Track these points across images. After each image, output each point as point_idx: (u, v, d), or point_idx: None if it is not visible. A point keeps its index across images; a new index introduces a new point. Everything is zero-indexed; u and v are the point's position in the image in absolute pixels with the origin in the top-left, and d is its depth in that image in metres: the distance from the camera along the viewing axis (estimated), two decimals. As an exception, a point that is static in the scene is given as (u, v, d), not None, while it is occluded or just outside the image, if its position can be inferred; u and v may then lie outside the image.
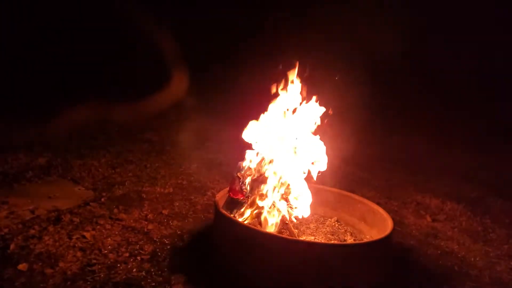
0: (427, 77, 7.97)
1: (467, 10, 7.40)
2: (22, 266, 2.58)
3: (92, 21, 7.84)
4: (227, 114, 6.34)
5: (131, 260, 2.79)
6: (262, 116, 3.05)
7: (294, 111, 3.08)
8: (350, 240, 3.04)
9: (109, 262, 2.74)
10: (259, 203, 2.87)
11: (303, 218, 3.30)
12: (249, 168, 2.97)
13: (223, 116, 6.39)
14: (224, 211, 2.75)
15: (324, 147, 3.06)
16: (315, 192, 3.16)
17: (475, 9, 7.38)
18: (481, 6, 7.39)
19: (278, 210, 2.90)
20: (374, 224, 3.06)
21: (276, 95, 3.06)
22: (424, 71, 7.79)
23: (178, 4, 8.40)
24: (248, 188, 2.90)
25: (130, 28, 7.44)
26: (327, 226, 3.25)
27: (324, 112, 3.08)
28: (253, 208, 2.89)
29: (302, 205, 3.02)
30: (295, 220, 3.02)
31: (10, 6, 7.10)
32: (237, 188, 2.88)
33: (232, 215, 2.84)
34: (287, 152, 2.99)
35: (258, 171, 2.96)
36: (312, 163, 3.04)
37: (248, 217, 2.90)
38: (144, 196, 3.90)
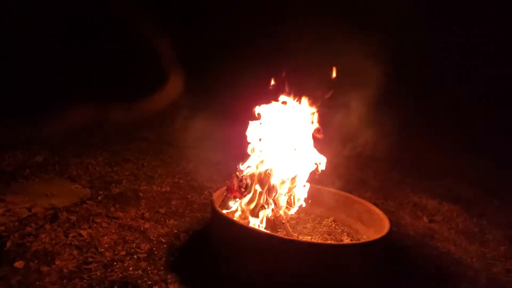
0: (425, 77, 7.98)
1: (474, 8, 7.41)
2: (19, 264, 2.57)
3: (91, 21, 7.83)
4: (225, 113, 6.34)
5: (128, 258, 2.79)
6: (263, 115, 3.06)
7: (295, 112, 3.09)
8: (346, 240, 3.04)
9: (105, 260, 2.73)
10: (256, 202, 2.87)
11: (300, 217, 3.31)
12: (248, 167, 2.98)
13: (221, 115, 6.39)
14: (221, 210, 2.75)
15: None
16: (312, 192, 3.16)
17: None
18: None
19: (276, 209, 2.90)
20: (371, 225, 3.06)
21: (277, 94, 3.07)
22: (423, 71, 7.79)
23: (178, 8, 8.40)
24: (246, 186, 2.90)
25: (129, 28, 7.44)
26: (324, 226, 3.25)
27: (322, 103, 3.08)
28: (250, 207, 2.89)
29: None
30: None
31: (9, 5, 7.09)
32: (235, 186, 2.88)
33: (228, 214, 2.84)
34: (286, 152, 2.99)
35: (257, 170, 2.96)
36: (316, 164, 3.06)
37: (244, 215, 2.90)
38: (141, 195, 3.89)
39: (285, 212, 3.00)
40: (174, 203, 3.82)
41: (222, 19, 8.25)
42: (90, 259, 2.71)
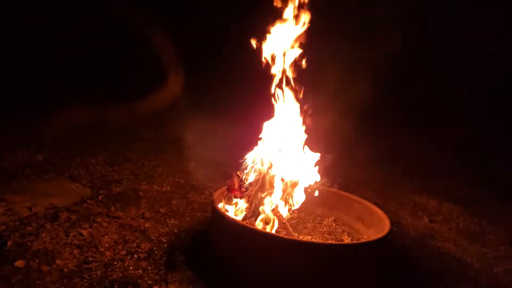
0: (425, 77, 7.98)
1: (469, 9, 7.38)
2: (19, 263, 2.57)
3: (91, 21, 7.83)
4: (226, 113, 6.34)
5: (128, 258, 2.79)
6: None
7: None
8: (347, 240, 3.04)
9: (106, 260, 2.73)
10: (257, 201, 2.87)
11: (300, 217, 3.31)
12: (249, 167, 2.98)
13: (221, 115, 6.38)
14: (221, 210, 2.75)
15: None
16: (313, 192, 3.16)
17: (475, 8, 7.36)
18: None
19: (276, 209, 2.90)
20: (371, 225, 3.06)
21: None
22: (422, 71, 7.78)
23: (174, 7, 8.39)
24: (247, 186, 2.90)
25: (128, 28, 7.44)
26: (324, 226, 3.25)
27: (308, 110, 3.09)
28: (251, 206, 2.89)
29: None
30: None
31: (6, 6, 7.09)
32: (236, 186, 2.88)
33: (229, 213, 2.84)
34: (286, 152, 2.99)
35: (258, 170, 2.96)
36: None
37: (245, 215, 2.90)
38: (142, 194, 3.90)
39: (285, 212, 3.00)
40: (174, 202, 3.82)
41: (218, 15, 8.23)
42: (91, 259, 2.72)
